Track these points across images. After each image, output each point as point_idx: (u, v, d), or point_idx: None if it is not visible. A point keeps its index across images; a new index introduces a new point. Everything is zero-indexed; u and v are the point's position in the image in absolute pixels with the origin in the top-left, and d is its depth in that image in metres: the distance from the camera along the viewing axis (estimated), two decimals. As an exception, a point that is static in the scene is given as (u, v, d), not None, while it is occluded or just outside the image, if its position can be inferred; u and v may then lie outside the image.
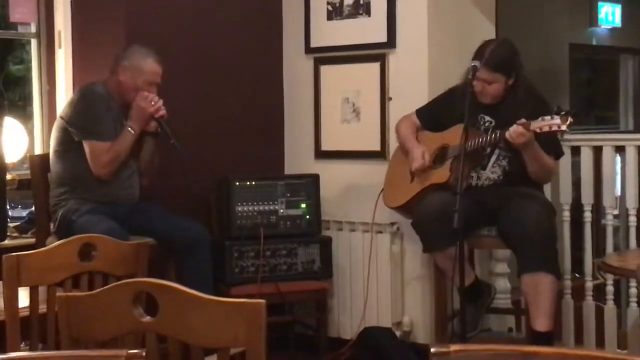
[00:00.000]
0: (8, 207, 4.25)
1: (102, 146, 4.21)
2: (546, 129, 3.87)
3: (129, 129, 4.25)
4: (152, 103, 4.25)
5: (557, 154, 4.30)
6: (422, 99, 4.66)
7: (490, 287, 4.44)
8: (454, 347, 1.51)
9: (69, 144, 4.25)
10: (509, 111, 4.10)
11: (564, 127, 3.83)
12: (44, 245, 3.32)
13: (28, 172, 4.50)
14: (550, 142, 4.13)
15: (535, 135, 3.95)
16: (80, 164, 4.22)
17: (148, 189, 4.47)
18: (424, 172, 4.33)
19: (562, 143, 4.43)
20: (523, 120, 3.93)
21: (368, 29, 4.99)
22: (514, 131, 3.94)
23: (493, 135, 4.09)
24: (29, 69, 4.93)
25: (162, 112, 4.27)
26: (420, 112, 4.52)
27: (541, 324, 4.00)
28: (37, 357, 1.66)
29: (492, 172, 4.26)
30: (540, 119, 3.89)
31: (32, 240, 4.42)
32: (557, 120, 3.84)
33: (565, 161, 4.72)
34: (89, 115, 4.24)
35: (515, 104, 4.15)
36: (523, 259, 4.04)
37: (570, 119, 3.82)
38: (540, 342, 3.89)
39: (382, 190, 4.65)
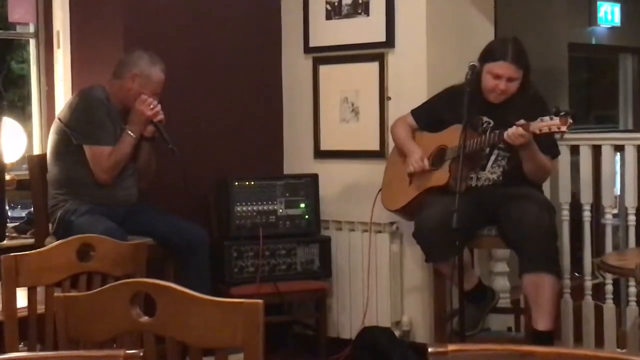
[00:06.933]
0: (7, 207, 4.26)
1: (104, 150, 4.21)
2: (545, 130, 3.84)
3: (129, 132, 4.24)
4: (151, 107, 4.25)
5: (554, 153, 4.27)
6: (421, 99, 4.65)
7: (494, 292, 4.44)
8: (451, 347, 1.51)
9: (67, 147, 4.25)
10: (508, 112, 4.07)
11: (563, 129, 3.79)
12: (43, 246, 3.31)
13: (27, 172, 4.50)
14: (547, 142, 4.11)
15: (534, 136, 3.92)
16: (78, 166, 4.22)
17: (146, 190, 4.47)
18: (422, 174, 4.29)
19: (561, 142, 4.42)
20: (522, 122, 3.89)
21: (367, 29, 4.98)
22: (513, 133, 3.91)
23: (491, 136, 4.07)
24: (29, 68, 4.93)
25: (161, 116, 4.27)
26: (415, 113, 4.49)
27: (542, 323, 3.99)
28: (35, 358, 1.66)
29: (491, 172, 4.24)
30: (539, 120, 3.85)
31: (31, 240, 4.41)
32: (556, 121, 3.79)
33: (565, 160, 4.72)
34: (90, 120, 4.23)
35: (514, 105, 4.13)
36: (524, 259, 4.03)
37: (570, 120, 3.78)
38: (541, 342, 3.89)
39: (379, 191, 4.64)
